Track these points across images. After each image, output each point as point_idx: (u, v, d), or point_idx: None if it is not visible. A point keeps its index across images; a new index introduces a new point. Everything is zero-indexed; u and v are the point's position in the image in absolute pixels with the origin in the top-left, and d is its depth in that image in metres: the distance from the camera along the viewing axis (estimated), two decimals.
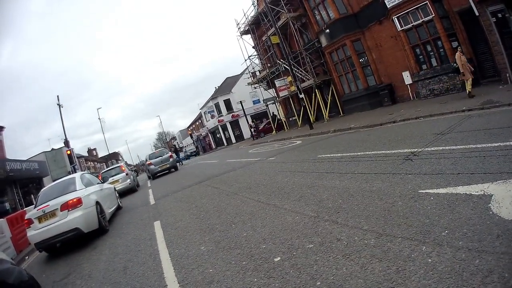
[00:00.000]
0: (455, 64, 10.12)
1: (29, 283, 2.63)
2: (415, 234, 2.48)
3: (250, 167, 9.53)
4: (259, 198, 5.23)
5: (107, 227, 6.86)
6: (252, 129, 31.14)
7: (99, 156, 66.73)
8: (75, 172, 15.74)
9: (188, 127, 69.90)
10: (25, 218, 6.24)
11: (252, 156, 13.02)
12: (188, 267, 3.34)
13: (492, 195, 2.73)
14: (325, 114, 19.28)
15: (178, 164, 21.86)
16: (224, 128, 44.22)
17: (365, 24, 16.08)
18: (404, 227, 2.65)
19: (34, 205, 6.73)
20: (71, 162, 24.32)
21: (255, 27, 24.94)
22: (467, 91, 9.78)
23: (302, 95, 17.94)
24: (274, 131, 27.25)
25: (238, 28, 25.91)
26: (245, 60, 27.18)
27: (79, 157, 44.53)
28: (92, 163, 55.59)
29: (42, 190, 7.37)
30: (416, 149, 5.17)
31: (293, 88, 20.62)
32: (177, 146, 40.21)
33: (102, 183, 8.73)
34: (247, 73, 29.07)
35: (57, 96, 25.70)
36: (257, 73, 27.51)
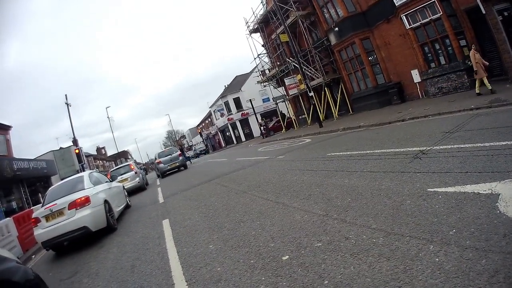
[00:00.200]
0: (469, 62, 9.97)
1: (35, 281, 2.58)
2: (423, 233, 2.49)
3: (259, 166, 9.58)
4: (268, 197, 5.25)
5: (115, 226, 6.87)
6: (262, 127, 30.98)
7: (108, 155, 67.47)
8: (84, 171, 15.89)
9: (198, 125, 70.15)
10: (32, 217, 6.22)
11: (261, 155, 13.08)
12: (196, 265, 3.35)
13: (499, 194, 2.73)
14: (335, 112, 19.19)
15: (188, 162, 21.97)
16: (234, 127, 44.21)
17: (374, 23, 15.99)
18: (412, 226, 2.66)
19: (41, 204, 6.72)
20: (80, 161, 24.32)
21: (264, 26, 24.94)
22: (476, 91, 9.63)
23: (311, 93, 17.90)
24: (283, 129, 27.24)
25: (247, 27, 25.95)
26: (255, 58, 27.27)
27: (88, 155, 44.73)
28: (100, 161, 56.25)
29: (49, 188, 7.38)
30: (425, 148, 5.16)
31: (302, 86, 20.53)
32: (183, 147, 40.39)
33: (110, 181, 8.74)
34: (256, 72, 29.06)
35: (65, 95, 25.22)
36: (267, 71, 27.51)
